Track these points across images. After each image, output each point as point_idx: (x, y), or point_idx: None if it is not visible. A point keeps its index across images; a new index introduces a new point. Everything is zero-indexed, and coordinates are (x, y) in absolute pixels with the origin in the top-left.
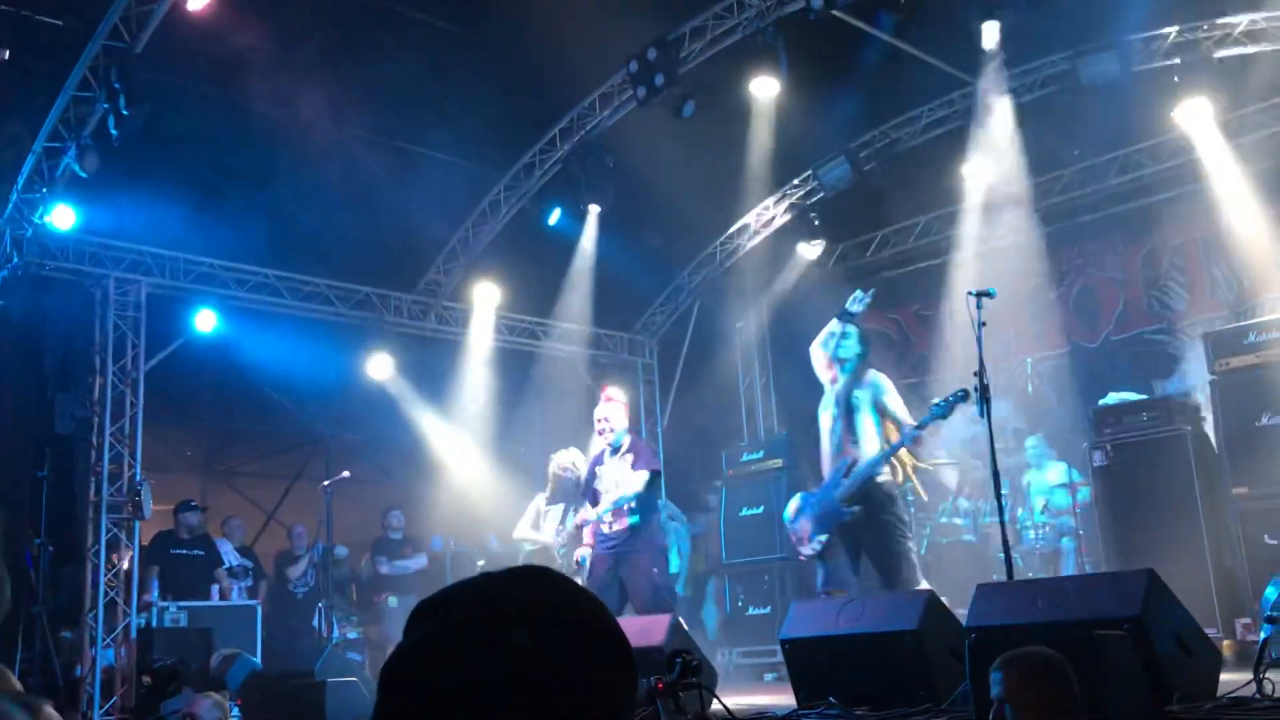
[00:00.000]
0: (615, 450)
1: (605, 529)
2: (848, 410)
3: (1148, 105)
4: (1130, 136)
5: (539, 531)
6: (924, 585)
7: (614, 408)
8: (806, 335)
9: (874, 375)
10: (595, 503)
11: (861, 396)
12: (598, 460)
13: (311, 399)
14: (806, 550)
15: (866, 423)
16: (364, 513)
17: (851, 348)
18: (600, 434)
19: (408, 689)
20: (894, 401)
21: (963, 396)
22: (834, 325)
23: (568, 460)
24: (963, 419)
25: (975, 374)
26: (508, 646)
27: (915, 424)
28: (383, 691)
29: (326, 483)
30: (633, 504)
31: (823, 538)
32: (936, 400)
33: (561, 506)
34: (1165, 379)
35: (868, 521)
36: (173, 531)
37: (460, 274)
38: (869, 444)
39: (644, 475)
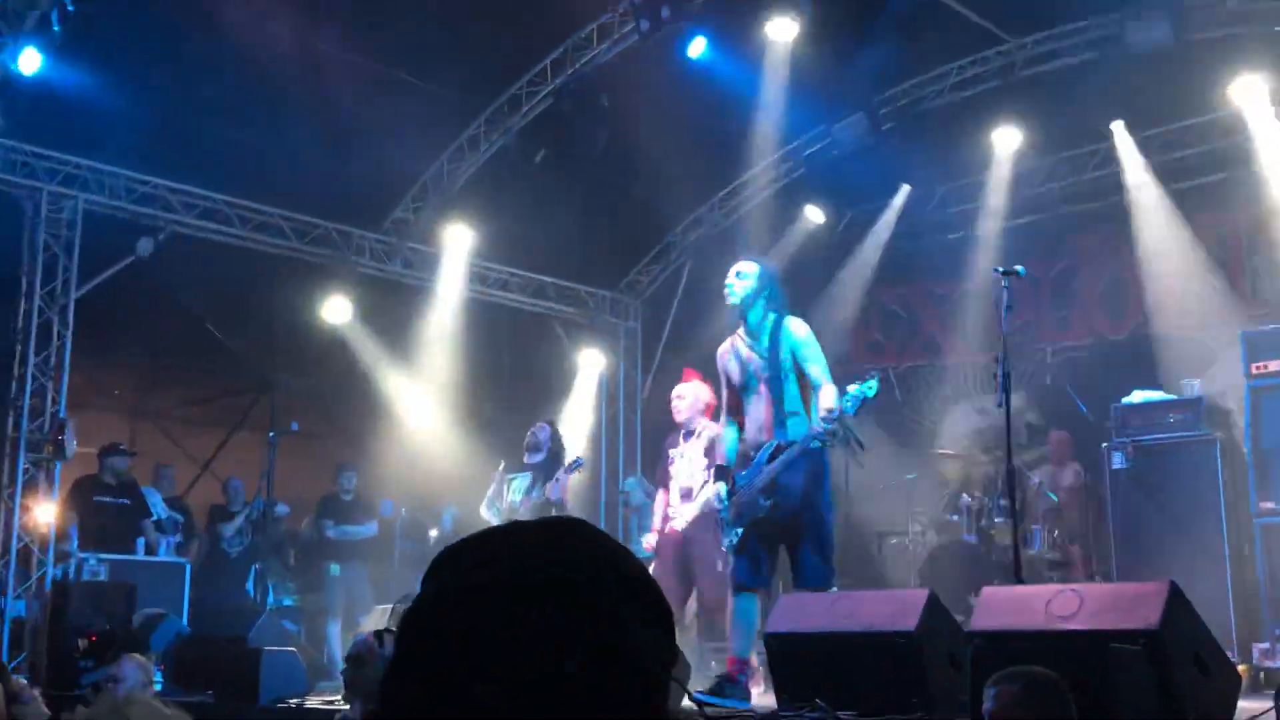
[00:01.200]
0: (689, 434)
1: (674, 516)
2: (771, 378)
3: (1198, 78)
4: (1176, 112)
5: (501, 501)
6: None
7: (689, 389)
8: (806, 306)
9: (788, 327)
10: (667, 486)
11: (784, 359)
12: (671, 441)
13: (260, 341)
14: (723, 542)
15: (793, 391)
16: (310, 469)
17: (756, 305)
18: (675, 411)
19: (443, 635)
20: (812, 360)
21: (873, 391)
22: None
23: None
24: (970, 409)
25: (994, 360)
26: (545, 605)
27: (821, 422)
28: (411, 637)
29: (272, 433)
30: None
31: (738, 530)
32: (850, 390)
33: (529, 475)
34: (1196, 379)
35: (791, 511)
36: (97, 477)
37: (431, 214)
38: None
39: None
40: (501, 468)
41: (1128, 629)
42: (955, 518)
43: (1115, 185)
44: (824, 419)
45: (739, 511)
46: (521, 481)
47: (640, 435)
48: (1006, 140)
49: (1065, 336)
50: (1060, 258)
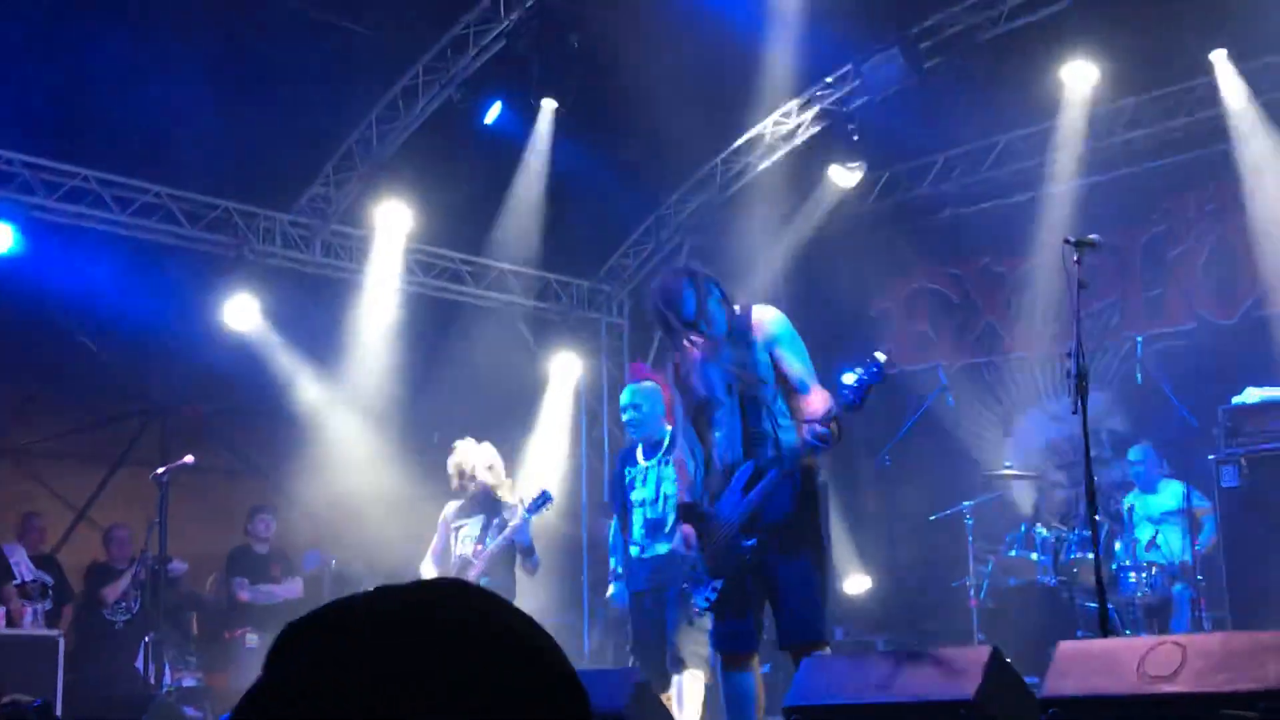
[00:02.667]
0: (652, 448)
1: (642, 551)
2: (746, 386)
3: None
4: None
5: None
6: (979, 642)
7: (643, 392)
8: (836, 292)
9: (760, 318)
10: (625, 516)
11: (761, 360)
12: (627, 459)
13: (144, 354)
14: (697, 604)
15: (774, 399)
16: (213, 514)
17: (709, 313)
18: (628, 424)
19: None
20: (794, 357)
21: (878, 372)
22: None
23: (473, 460)
24: (1043, 416)
25: (1067, 355)
26: (412, 689)
27: (820, 416)
28: None
29: (161, 470)
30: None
31: (717, 585)
32: (846, 378)
33: (480, 519)
34: None
35: (776, 551)
36: None
37: (358, 188)
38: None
39: None
40: (448, 513)
41: (1243, 690)
42: (1028, 555)
43: (1217, 131)
44: (813, 430)
45: (717, 560)
46: (472, 528)
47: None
48: (1079, 78)
49: (1159, 322)
50: (1151, 223)
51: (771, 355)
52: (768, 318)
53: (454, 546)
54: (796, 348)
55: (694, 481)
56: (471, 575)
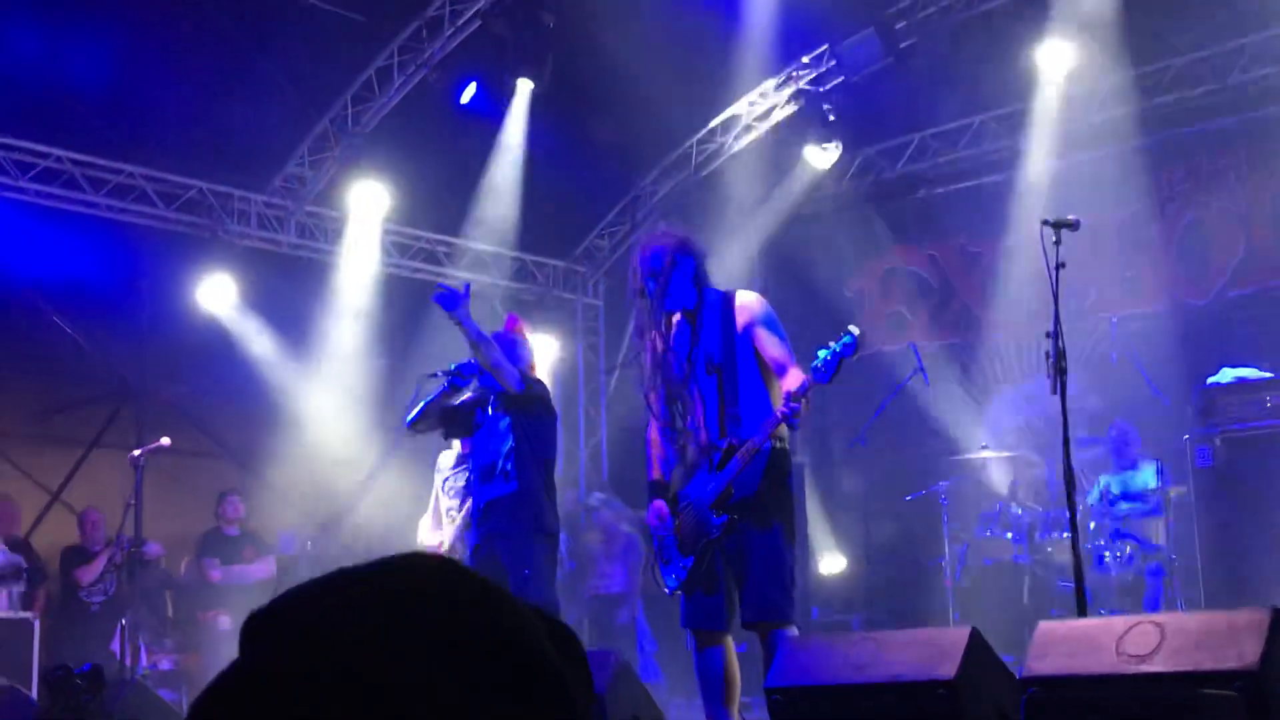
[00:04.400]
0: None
1: (476, 500)
2: (723, 365)
3: None
4: (1268, 19)
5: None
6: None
7: (518, 340)
8: (812, 272)
9: (741, 301)
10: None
11: (739, 341)
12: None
13: (118, 336)
14: (667, 585)
15: (751, 379)
16: (188, 497)
17: (685, 290)
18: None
19: None
20: (774, 338)
21: (851, 345)
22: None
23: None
24: (1018, 396)
25: (1046, 335)
26: (378, 679)
27: (795, 390)
28: None
29: (136, 452)
30: (509, 457)
31: (686, 563)
32: (820, 353)
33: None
34: None
35: (745, 528)
36: None
37: (332, 168)
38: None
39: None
40: (441, 464)
41: (1220, 669)
42: (1003, 534)
43: (1198, 110)
44: (787, 404)
45: (687, 537)
46: (456, 479)
47: (606, 438)
48: (1056, 58)
49: (1134, 303)
50: (1124, 205)
51: (751, 337)
52: (749, 300)
53: (441, 499)
54: (776, 330)
55: (667, 457)
56: (456, 529)
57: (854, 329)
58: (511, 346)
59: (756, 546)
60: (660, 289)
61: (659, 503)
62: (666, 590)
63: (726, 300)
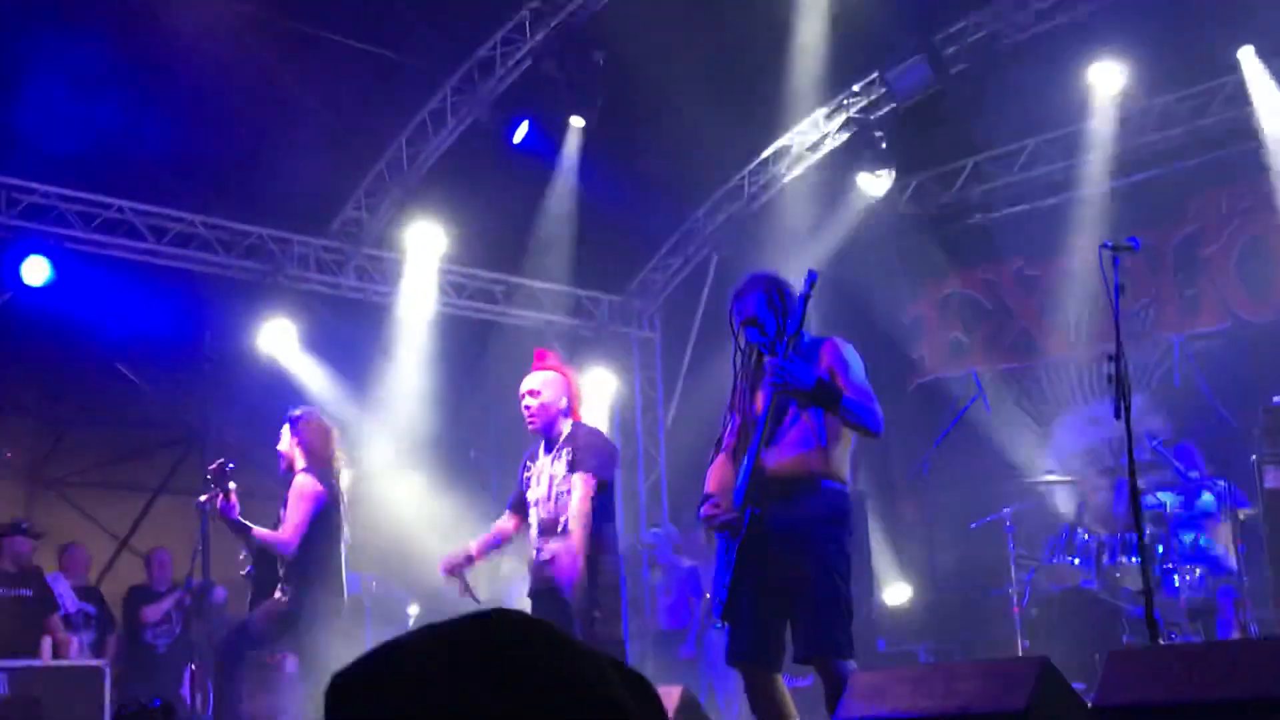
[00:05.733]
0: (550, 443)
1: (538, 554)
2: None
3: None
4: None
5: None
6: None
7: (546, 379)
8: (867, 300)
9: (832, 345)
10: (524, 513)
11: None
12: (530, 455)
13: (181, 382)
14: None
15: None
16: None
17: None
18: (529, 416)
19: None
20: (848, 378)
21: (811, 279)
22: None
23: None
24: (1081, 420)
25: (1107, 358)
26: None
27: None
28: None
29: (203, 498)
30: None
31: (725, 588)
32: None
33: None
34: None
35: (796, 562)
36: None
37: (390, 211)
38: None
39: (583, 485)
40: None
41: None
42: (1070, 560)
43: (1248, 129)
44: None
45: (730, 563)
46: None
47: (665, 472)
48: (1107, 79)
49: (1195, 322)
50: (1183, 223)
51: (830, 375)
52: (838, 344)
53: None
54: (857, 371)
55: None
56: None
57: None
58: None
59: (809, 580)
60: (738, 312)
61: (708, 505)
62: (714, 626)
63: (815, 343)
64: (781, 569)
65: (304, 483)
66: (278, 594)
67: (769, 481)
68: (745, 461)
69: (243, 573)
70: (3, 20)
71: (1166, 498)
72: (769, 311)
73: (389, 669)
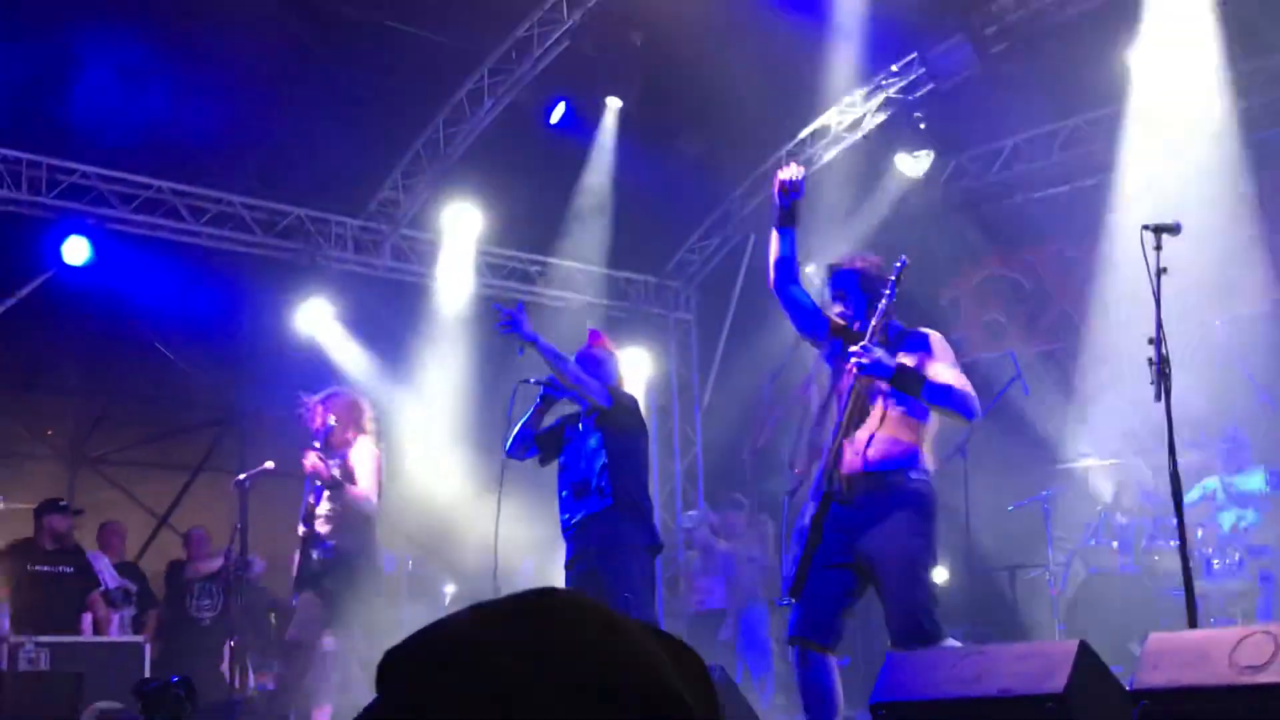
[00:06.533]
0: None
1: (570, 516)
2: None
3: None
4: None
5: None
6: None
7: (590, 355)
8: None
9: (925, 335)
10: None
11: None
12: (570, 427)
13: (220, 361)
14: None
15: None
16: (292, 519)
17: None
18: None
19: None
20: (939, 367)
21: (902, 266)
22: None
23: None
24: (1120, 402)
25: (1149, 340)
26: (518, 714)
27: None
28: None
29: (243, 476)
30: (603, 474)
31: (797, 557)
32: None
33: None
34: None
35: (867, 515)
36: (32, 541)
37: (426, 192)
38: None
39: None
40: None
41: None
42: (1109, 543)
43: None
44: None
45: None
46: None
47: (701, 455)
48: (1149, 58)
49: (1237, 304)
50: (1225, 204)
51: (917, 363)
52: (926, 334)
53: None
54: (945, 357)
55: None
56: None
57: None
58: (596, 364)
59: (892, 570)
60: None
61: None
62: (782, 592)
63: (911, 334)
64: (862, 554)
65: (365, 446)
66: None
67: (851, 466)
68: (827, 440)
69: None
70: (45, 10)
71: (1210, 482)
72: (861, 293)
73: (442, 647)
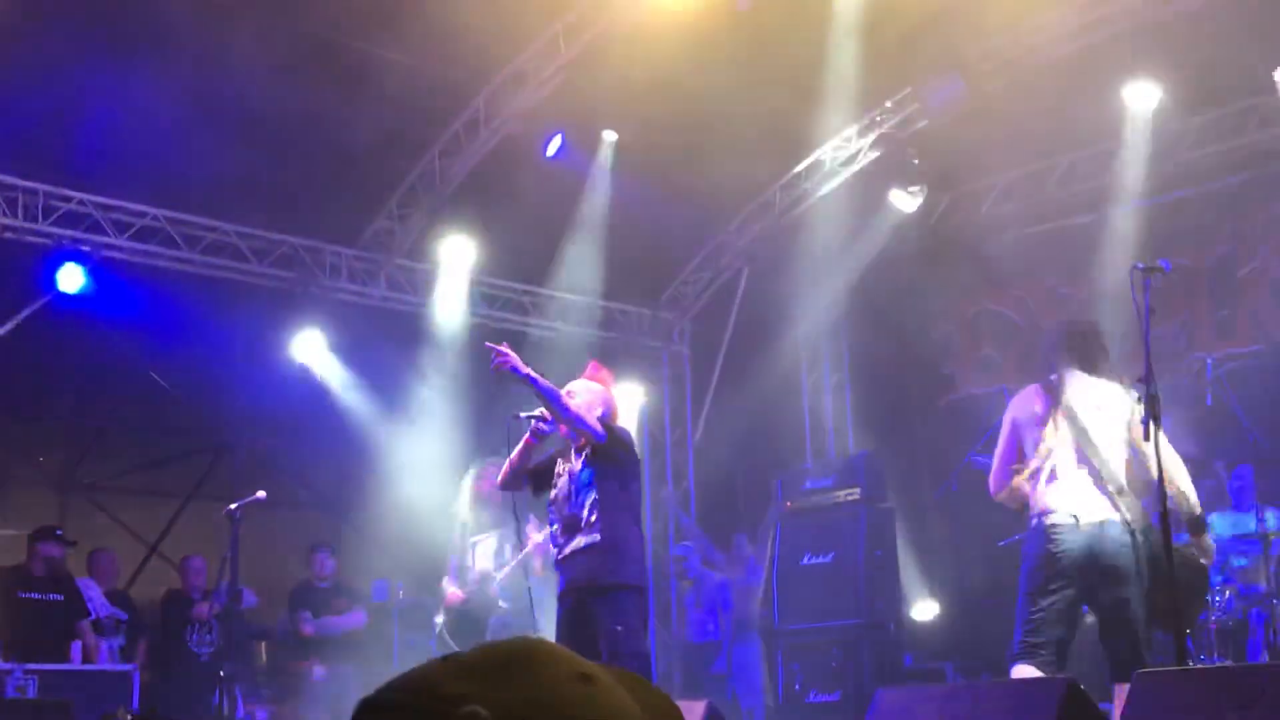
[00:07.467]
0: (579, 450)
1: (560, 550)
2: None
3: None
4: None
5: (470, 572)
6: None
7: (587, 386)
8: (899, 317)
9: None
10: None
11: None
12: (562, 457)
13: (213, 390)
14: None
15: None
16: (282, 548)
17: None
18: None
19: None
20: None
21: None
22: None
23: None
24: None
25: (1140, 380)
26: None
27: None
28: None
29: (234, 505)
30: (593, 509)
31: None
32: None
33: (495, 535)
34: None
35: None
36: (21, 568)
37: (422, 221)
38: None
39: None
40: (461, 529)
41: None
42: None
43: None
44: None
45: None
46: (489, 544)
47: (694, 485)
48: (1141, 98)
49: (1228, 343)
50: (1217, 243)
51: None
52: None
53: (471, 563)
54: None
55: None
56: (495, 588)
57: None
58: (591, 396)
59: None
60: None
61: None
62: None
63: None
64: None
65: None
66: None
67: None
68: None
69: None
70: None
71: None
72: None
73: (416, 700)
